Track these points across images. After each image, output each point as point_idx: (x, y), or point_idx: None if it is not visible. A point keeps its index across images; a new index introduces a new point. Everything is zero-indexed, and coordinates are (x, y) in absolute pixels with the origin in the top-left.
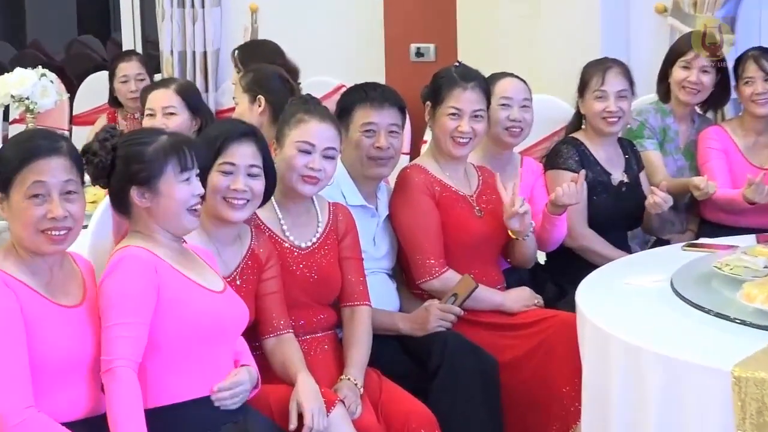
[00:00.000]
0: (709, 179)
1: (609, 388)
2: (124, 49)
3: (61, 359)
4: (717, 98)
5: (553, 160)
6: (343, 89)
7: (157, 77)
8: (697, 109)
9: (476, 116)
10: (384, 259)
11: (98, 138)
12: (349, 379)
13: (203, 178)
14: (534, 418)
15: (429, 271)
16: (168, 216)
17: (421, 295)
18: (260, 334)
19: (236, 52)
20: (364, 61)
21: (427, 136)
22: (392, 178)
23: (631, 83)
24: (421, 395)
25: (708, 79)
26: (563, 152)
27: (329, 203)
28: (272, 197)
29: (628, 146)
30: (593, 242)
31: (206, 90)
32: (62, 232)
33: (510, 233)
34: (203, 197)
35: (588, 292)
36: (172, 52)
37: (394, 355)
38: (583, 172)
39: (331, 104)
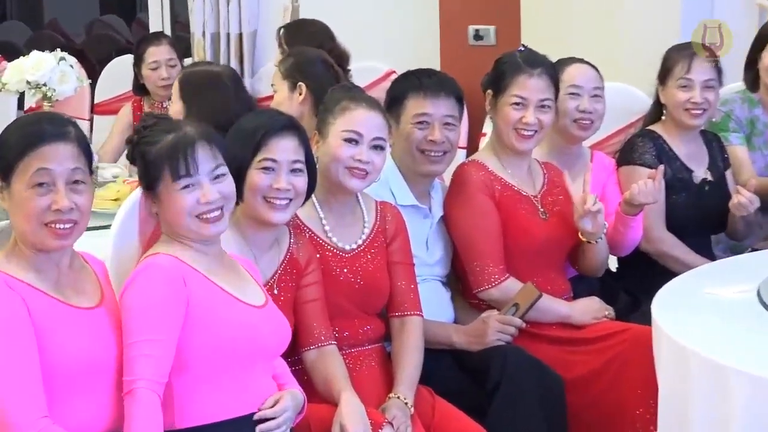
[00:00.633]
0: None
1: (688, 411)
2: (151, 30)
3: (79, 365)
4: None
5: (627, 154)
6: (393, 76)
7: (187, 62)
8: None
9: (543, 106)
10: (437, 264)
11: (135, 127)
12: (398, 397)
13: (239, 176)
14: None
15: (488, 279)
16: (173, 224)
17: (478, 305)
18: (299, 346)
19: (282, 31)
20: (416, 44)
21: (487, 128)
22: (447, 176)
23: (719, 72)
24: (478, 415)
25: None
26: (639, 146)
27: (376, 202)
28: (313, 194)
29: (712, 140)
30: (672, 247)
31: (242, 75)
32: (67, 226)
33: (580, 236)
34: (241, 198)
35: (665, 303)
36: (204, 34)
37: (448, 371)
38: (661, 167)
39: (379, 92)
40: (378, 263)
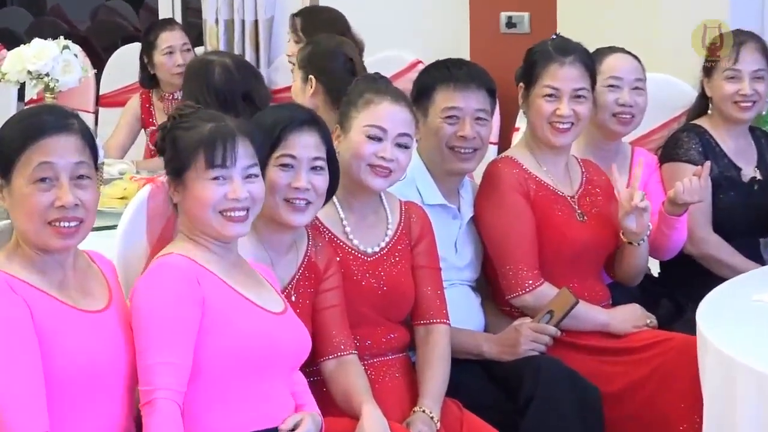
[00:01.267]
0: None
1: (736, 426)
2: (160, 17)
3: (86, 373)
4: None
5: (671, 150)
6: (420, 67)
7: (199, 51)
8: None
9: (578, 96)
10: (467, 269)
11: (170, 114)
12: (423, 411)
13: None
14: None
15: (521, 284)
16: (194, 217)
17: (510, 312)
18: (318, 355)
19: (296, 18)
20: (444, 32)
21: (520, 123)
22: (478, 174)
23: None
24: (510, 431)
25: None
26: (684, 141)
27: (401, 202)
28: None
29: (761, 137)
30: (718, 249)
31: (257, 66)
32: (72, 224)
33: (621, 236)
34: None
35: (711, 310)
36: (217, 20)
37: (478, 382)
38: (707, 164)
39: (404, 84)
40: (402, 267)
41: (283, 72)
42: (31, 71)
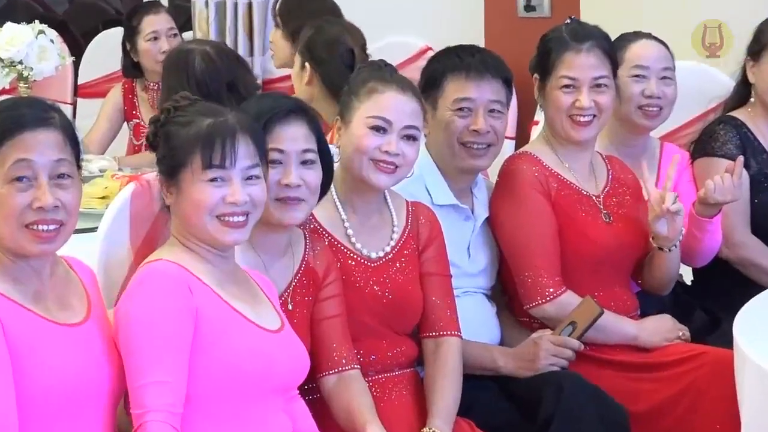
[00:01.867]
0: None
1: None
2: None
3: (64, 391)
4: None
5: (705, 144)
6: (429, 54)
7: (188, 36)
8: None
9: (598, 85)
10: (480, 275)
11: (162, 107)
12: (433, 431)
13: None
14: None
15: (541, 293)
16: (188, 221)
17: (529, 324)
18: (317, 371)
19: (278, 4)
20: (457, 16)
21: (539, 116)
22: (493, 171)
23: None
24: None
25: None
26: (719, 134)
27: (408, 202)
28: (334, 192)
29: None
30: (757, 254)
31: (251, 53)
32: (51, 228)
33: (651, 241)
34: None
35: (749, 321)
36: (207, 3)
37: (493, 401)
38: (740, 158)
39: (412, 72)
40: (409, 274)
41: None
42: (3, 59)
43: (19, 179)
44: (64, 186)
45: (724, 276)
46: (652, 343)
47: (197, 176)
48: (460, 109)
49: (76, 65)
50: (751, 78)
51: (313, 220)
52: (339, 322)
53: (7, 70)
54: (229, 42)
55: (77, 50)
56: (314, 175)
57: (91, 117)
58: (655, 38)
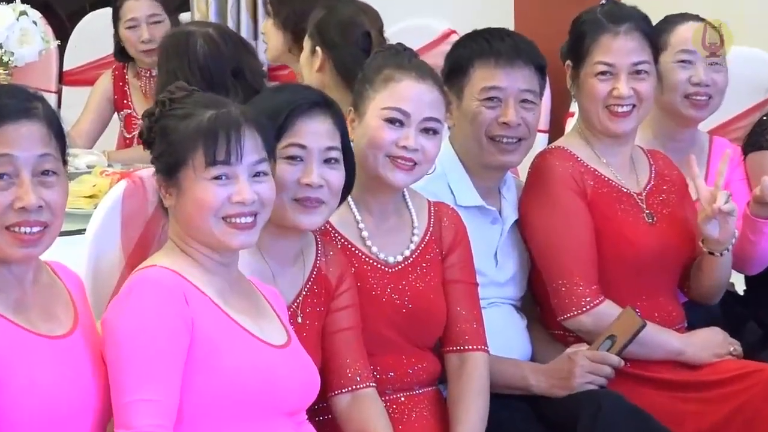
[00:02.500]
0: None
1: None
2: None
3: (47, 409)
4: None
5: (759, 137)
6: (454, 38)
7: (184, 18)
8: None
9: (637, 72)
10: (509, 284)
11: (157, 99)
12: None
13: None
14: None
15: (576, 303)
16: (190, 224)
17: (563, 337)
18: (328, 389)
19: None
20: None
21: (575, 107)
22: (523, 169)
23: None
24: None
25: None
26: None
27: (429, 202)
28: None
29: None
30: None
31: (255, 37)
32: (35, 230)
33: (700, 244)
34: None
35: None
36: None
37: (523, 422)
38: None
39: (434, 58)
40: (431, 281)
41: None
42: None
43: None
44: (49, 184)
45: None
46: (700, 359)
47: (200, 174)
48: (489, 99)
49: (62, 50)
50: None
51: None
52: (353, 335)
53: None
54: (230, 24)
55: (63, 33)
56: (337, 175)
57: (77, 107)
58: (703, 20)
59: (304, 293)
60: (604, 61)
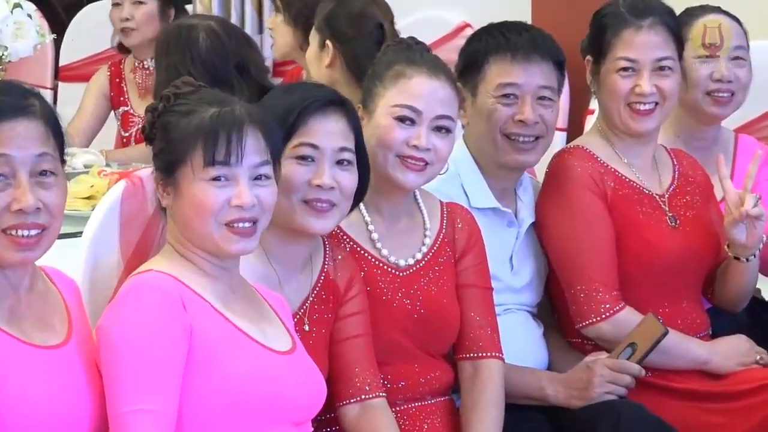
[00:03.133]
0: None
1: None
2: None
3: (40, 422)
4: None
5: None
6: (468, 31)
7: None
8: None
9: (661, 68)
10: (525, 290)
11: (161, 94)
12: None
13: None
14: None
15: (595, 309)
16: (187, 226)
17: (581, 346)
18: (336, 398)
19: None
20: None
21: (595, 104)
22: (541, 169)
23: None
24: None
25: None
26: None
27: (442, 203)
28: None
29: None
30: None
31: (260, 31)
32: (33, 233)
33: (726, 249)
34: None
35: None
36: None
37: None
38: None
39: (448, 53)
40: (443, 285)
41: None
42: None
43: None
44: (47, 185)
45: None
46: (725, 368)
47: (198, 174)
48: (505, 95)
49: (57, 44)
50: None
51: None
52: (363, 343)
53: None
54: (234, 18)
55: (59, 27)
56: (350, 178)
57: (73, 103)
58: (726, 13)
59: (311, 299)
60: (626, 56)
